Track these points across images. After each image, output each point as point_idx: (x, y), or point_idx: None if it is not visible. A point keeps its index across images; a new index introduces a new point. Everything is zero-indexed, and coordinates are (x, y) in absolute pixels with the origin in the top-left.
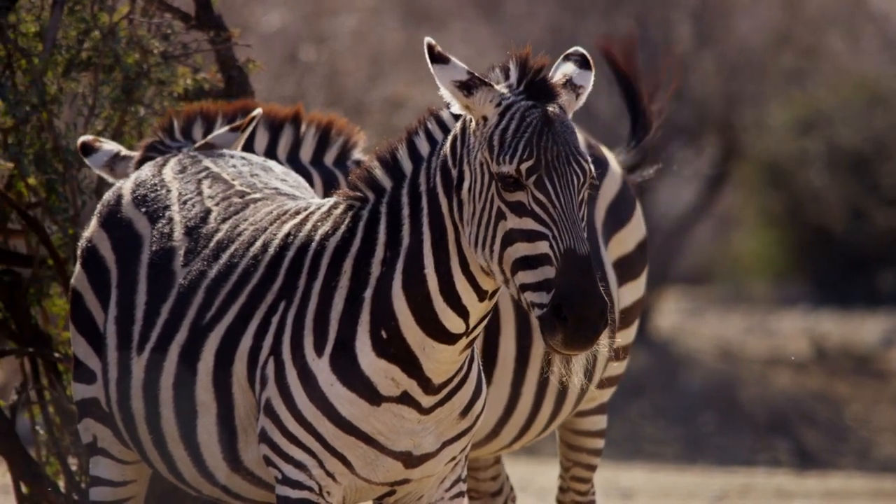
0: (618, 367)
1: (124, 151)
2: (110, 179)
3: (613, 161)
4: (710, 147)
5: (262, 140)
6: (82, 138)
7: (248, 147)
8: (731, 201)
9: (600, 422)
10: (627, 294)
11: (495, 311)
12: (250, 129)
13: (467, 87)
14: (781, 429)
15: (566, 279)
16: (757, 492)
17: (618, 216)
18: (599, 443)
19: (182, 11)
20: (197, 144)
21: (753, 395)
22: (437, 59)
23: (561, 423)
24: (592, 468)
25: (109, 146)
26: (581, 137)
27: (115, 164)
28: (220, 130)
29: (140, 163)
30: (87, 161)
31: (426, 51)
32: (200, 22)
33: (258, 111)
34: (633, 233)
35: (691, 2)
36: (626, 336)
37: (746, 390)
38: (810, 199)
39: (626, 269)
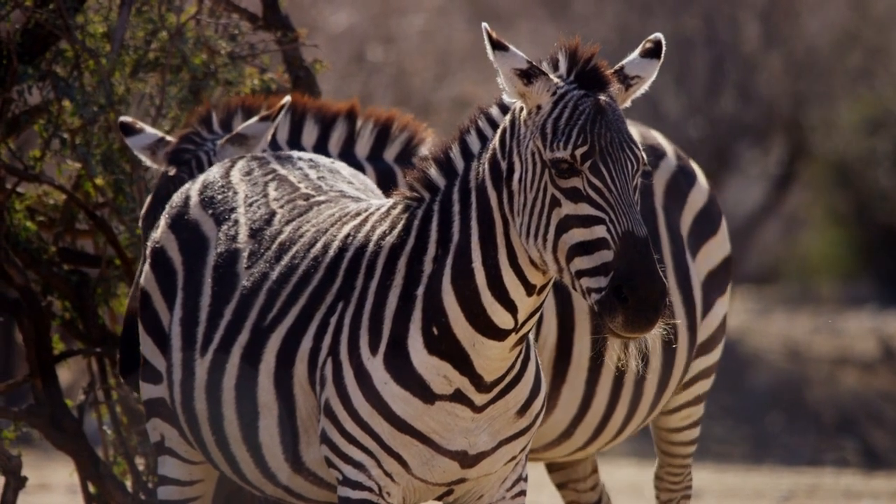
0: (710, 383)
1: (168, 137)
2: (149, 162)
3: (701, 174)
4: (777, 147)
5: (311, 134)
6: (122, 118)
7: (296, 141)
8: (799, 201)
9: (694, 433)
10: (719, 310)
11: (570, 309)
12: (280, 117)
13: (527, 75)
14: (849, 429)
15: (626, 261)
16: (824, 492)
17: (704, 227)
18: (692, 448)
19: (249, 12)
20: (227, 136)
21: (821, 395)
22: (497, 45)
23: (656, 434)
24: (687, 466)
25: (152, 130)
26: (671, 149)
27: (158, 148)
28: (251, 121)
29: (173, 153)
30: (127, 141)
31: (485, 37)
32: (267, 22)
33: (287, 99)
34: (720, 247)
35: (759, 1)
36: (718, 353)
37: (814, 390)
38: (878, 199)
39: (715, 283)
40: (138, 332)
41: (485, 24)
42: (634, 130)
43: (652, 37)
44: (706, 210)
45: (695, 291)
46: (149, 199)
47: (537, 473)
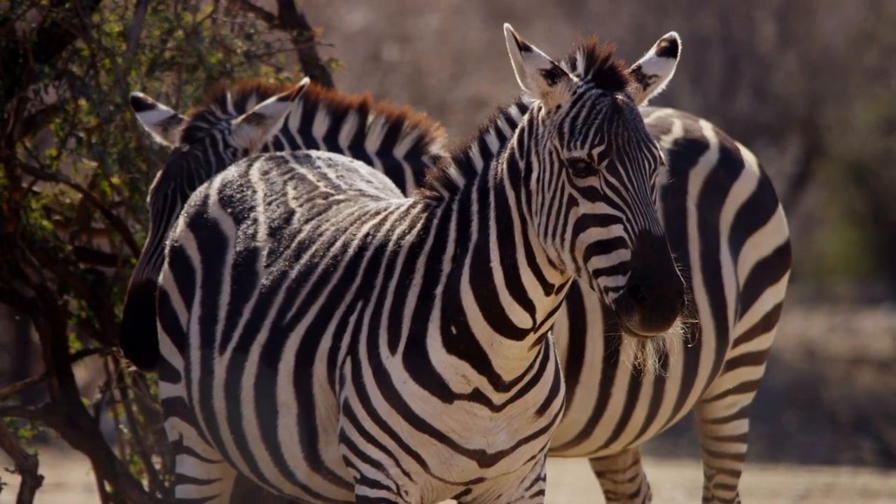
0: (757, 372)
1: (181, 115)
2: (159, 139)
3: (752, 162)
4: (793, 146)
5: (322, 125)
6: (134, 93)
7: (307, 130)
8: (815, 200)
9: (742, 426)
10: (768, 298)
11: (582, 310)
12: (298, 97)
13: (552, 75)
14: (865, 428)
15: (643, 260)
16: (841, 491)
17: (751, 218)
18: (742, 447)
19: (265, 11)
20: (245, 115)
21: (837, 395)
22: (523, 47)
23: (701, 432)
24: (737, 474)
25: (164, 107)
26: (716, 141)
27: (171, 125)
28: (269, 100)
29: (188, 130)
30: (138, 116)
31: (510, 38)
32: (283, 21)
33: (305, 80)
34: (772, 236)
35: (775, 1)
36: (766, 341)
37: (830, 389)
38: (894, 198)
39: (765, 272)
40: (142, 307)
41: (507, 26)
42: (679, 122)
43: (667, 35)
44: (753, 201)
45: (727, 291)
46: (159, 174)
47: (554, 472)
